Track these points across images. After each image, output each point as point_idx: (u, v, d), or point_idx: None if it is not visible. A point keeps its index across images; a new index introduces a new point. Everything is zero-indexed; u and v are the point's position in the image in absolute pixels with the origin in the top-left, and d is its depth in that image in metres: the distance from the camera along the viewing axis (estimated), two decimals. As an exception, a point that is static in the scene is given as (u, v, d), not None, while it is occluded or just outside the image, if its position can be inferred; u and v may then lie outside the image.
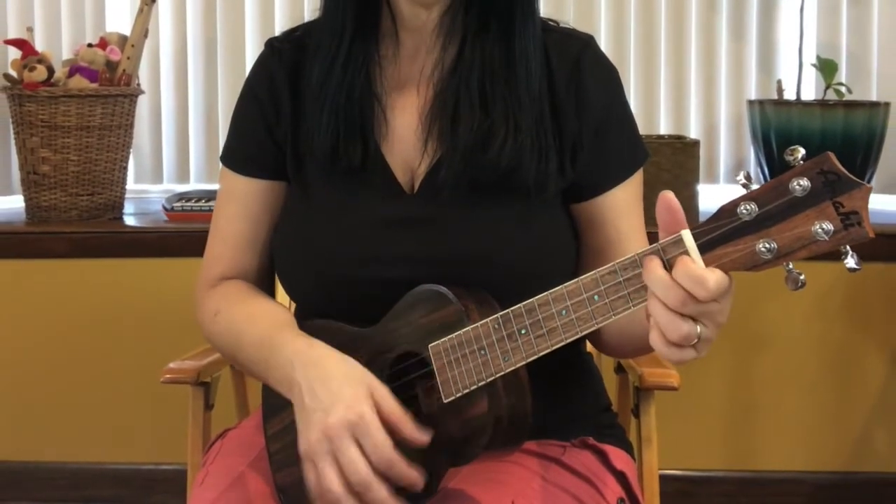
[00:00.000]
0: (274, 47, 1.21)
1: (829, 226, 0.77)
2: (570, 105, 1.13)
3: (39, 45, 2.37)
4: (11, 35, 2.41)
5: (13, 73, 2.27)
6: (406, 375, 1.04)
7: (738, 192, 0.82)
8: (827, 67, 2.28)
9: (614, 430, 1.24)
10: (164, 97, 2.53)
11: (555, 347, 0.91)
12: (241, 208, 1.21)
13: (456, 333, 0.97)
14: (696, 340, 0.83)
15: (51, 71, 2.25)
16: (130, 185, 2.44)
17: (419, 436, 0.98)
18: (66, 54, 2.43)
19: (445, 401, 0.98)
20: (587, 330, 0.89)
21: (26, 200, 2.31)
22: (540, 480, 1.10)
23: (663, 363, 1.40)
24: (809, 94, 2.35)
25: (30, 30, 2.36)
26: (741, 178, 0.82)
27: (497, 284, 1.02)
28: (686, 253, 0.82)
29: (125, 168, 2.36)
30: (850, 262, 0.78)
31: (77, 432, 2.31)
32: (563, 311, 0.89)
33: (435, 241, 1.09)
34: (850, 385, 2.23)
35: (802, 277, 0.80)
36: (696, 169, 2.20)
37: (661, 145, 2.18)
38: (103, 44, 2.30)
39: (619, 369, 1.52)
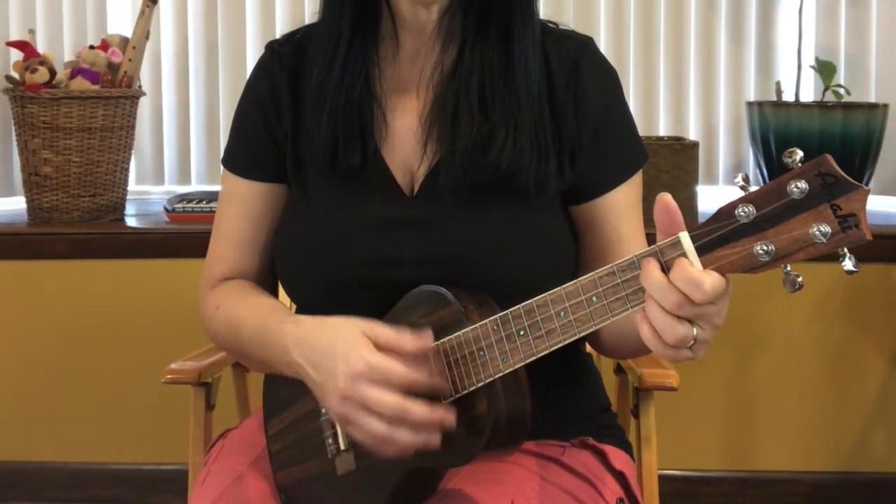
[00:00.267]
0: (274, 50, 1.22)
1: (826, 228, 0.77)
2: (569, 107, 1.13)
3: (41, 47, 2.38)
4: (13, 37, 2.41)
5: (15, 75, 2.27)
6: (406, 376, 1.04)
7: (737, 193, 0.82)
8: (825, 69, 2.28)
9: (614, 430, 1.24)
10: (165, 99, 2.54)
11: (553, 349, 0.91)
12: (242, 210, 1.22)
13: (455, 334, 0.98)
14: (692, 342, 0.83)
15: (52, 73, 2.25)
16: (132, 186, 2.45)
17: (421, 342, 0.97)
18: (68, 56, 2.44)
19: (445, 401, 0.99)
20: (585, 331, 0.89)
21: (28, 202, 2.31)
22: (539, 480, 1.11)
23: (662, 364, 1.40)
24: (808, 95, 2.35)
25: (31, 32, 2.37)
26: (739, 180, 0.82)
27: (496, 286, 1.03)
28: (684, 255, 0.82)
29: (126, 169, 2.36)
30: (848, 264, 0.78)
31: (79, 432, 2.31)
32: (562, 313, 0.90)
33: (434, 242, 1.10)
34: (848, 386, 2.23)
35: (800, 280, 0.80)
36: (695, 170, 2.21)
37: (661, 147, 2.18)
38: (105, 46, 2.31)
39: (619, 370, 1.52)
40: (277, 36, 1.27)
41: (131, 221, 2.34)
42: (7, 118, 2.37)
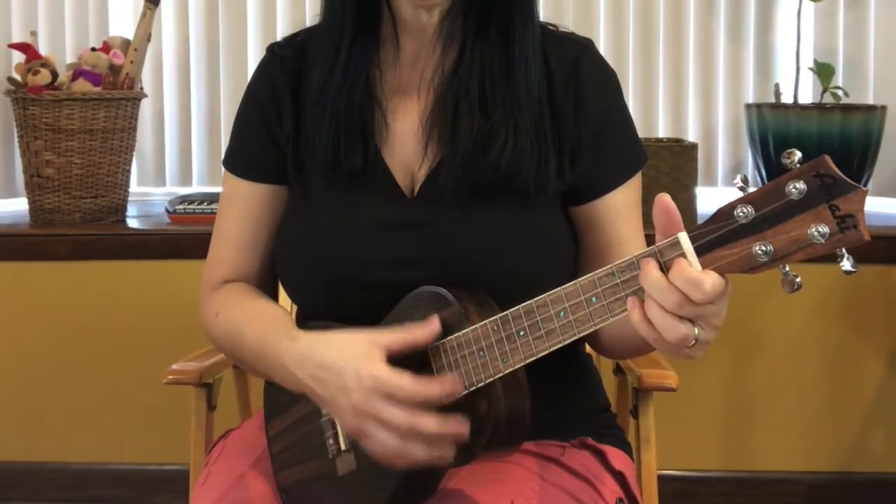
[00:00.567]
0: (275, 52, 1.22)
1: (825, 228, 0.77)
2: (569, 108, 1.13)
3: (43, 49, 2.38)
4: (16, 39, 2.42)
5: (17, 77, 2.28)
6: (406, 376, 1.04)
7: (736, 194, 0.82)
8: (824, 71, 2.29)
9: (613, 430, 1.25)
10: (166, 100, 2.54)
11: (553, 349, 0.92)
12: (243, 212, 1.22)
13: (455, 335, 0.98)
14: (693, 342, 0.84)
15: (54, 74, 2.26)
16: (133, 187, 2.45)
17: (427, 332, 0.98)
18: (70, 58, 2.44)
19: (445, 402, 0.99)
20: (585, 331, 0.89)
21: (30, 203, 2.32)
22: (539, 480, 1.11)
23: (661, 364, 1.41)
24: (807, 97, 2.36)
25: (34, 34, 2.37)
26: (738, 181, 0.83)
27: (496, 286, 1.03)
28: (683, 255, 0.83)
29: (128, 171, 2.37)
30: (846, 264, 0.78)
31: (80, 433, 2.32)
32: (562, 313, 0.90)
33: (435, 243, 1.10)
34: (847, 386, 2.24)
35: (799, 280, 0.80)
36: (694, 172, 2.21)
37: (660, 148, 2.19)
38: (106, 47, 2.31)
39: (618, 370, 1.53)
40: (278, 38, 1.27)
41: (133, 223, 2.34)
42: (9, 120, 2.38)
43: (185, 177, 2.56)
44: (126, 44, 2.32)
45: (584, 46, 1.17)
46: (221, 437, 1.29)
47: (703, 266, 0.82)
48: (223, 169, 1.25)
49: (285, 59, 1.21)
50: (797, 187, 0.78)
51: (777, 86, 2.33)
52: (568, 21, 2.42)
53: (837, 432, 2.25)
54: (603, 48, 2.41)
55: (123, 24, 2.51)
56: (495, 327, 0.95)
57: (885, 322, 2.21)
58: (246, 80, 1.26)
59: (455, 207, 1.10)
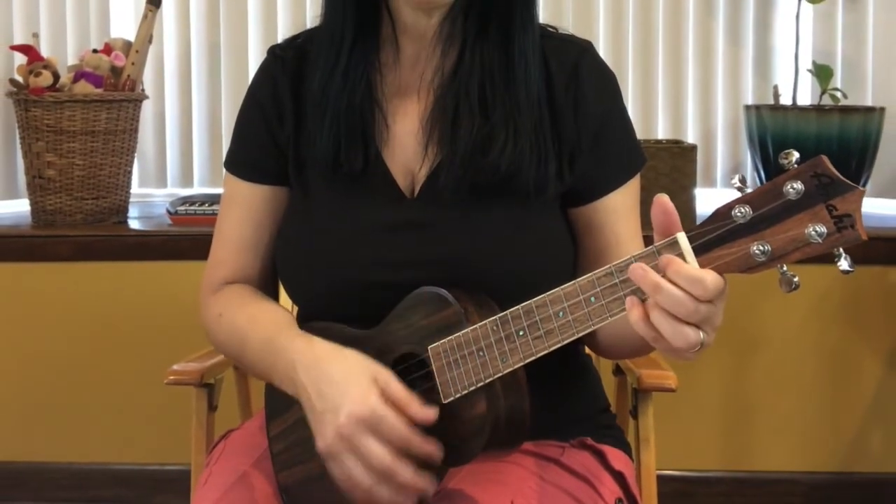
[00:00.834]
0: (276, 54, 1.22)
1: (822, 228, 0.78)
2: (568, 110, 1.14)
3: (45, 51, 2.39)
4: (17, 41, 2.42)
5: (19, 79, 2.28)
6: (406, 376, 1.04)
7: (735, 195, 0.83)
8: (823, 73, 2.29)
9: (612, 430, 1.25)
10: (168, 102, 2.54)
11: (552, 349, 0.92)
12: (244, 213, 1.22)
13: (455, 335, 0.98)
14: (699, 347, 0.84)
15: (56, 76, 2.26)
16: (135, 188, 2.45)
17: (425, 414, 0.98)
18: (72, 60, 2.45)
19: (444, 401, 0.99)
20: (584, 331, 0.90)
21: (32, 204, 2.32)
22: (538, 480, 1.11)
23: (661, 365, 1.41)
24: (805, 99, 2.36)
25: (35, 36, 2.37)
26: (736, 181, 0.83)
27: (496, 287, 1.03)
28: (681, 255, 0.83)
29: (129, 172, 2.37)
30: (844, 264, 0.79)
31: (81, 433, 2.32)
32: (561, 313, 0.90)
33: (435, 244, 1.10)
34: (845, 386, 2.24)
35: (796, 279, 0.81)
36: (693, 173, 2.21)
37: (659, 150, 2.19)
38: (108, 49, 2.32)
39: (618, 371, 1.53)
40: (279, 40, 1.28)
41: (134, 224, 2.35)
42: (11, 121, 2.38)
43: (186, 178, 2.56)
44: (127, 45, 2.32)
45: (584, 48, 1.17)
46: (222, 438, 1.29)
47: (702, 265, 0.83)
48: (224, 170, 1.26)
49: (286, 60, 1.21)
50: (795, 187, 0.79)
51: (776, 87, 2.33)
52: (567, 23, 2.43)
53: (836, 432, 2.25)
54: (602, 50, 2.42)
55: (125, 26, 2.52)
56: (494, 327, 0.95)
57: (884, 322, 2.22)
58: (247, 81, 1.26)
59: (455, 208, 1.11)
